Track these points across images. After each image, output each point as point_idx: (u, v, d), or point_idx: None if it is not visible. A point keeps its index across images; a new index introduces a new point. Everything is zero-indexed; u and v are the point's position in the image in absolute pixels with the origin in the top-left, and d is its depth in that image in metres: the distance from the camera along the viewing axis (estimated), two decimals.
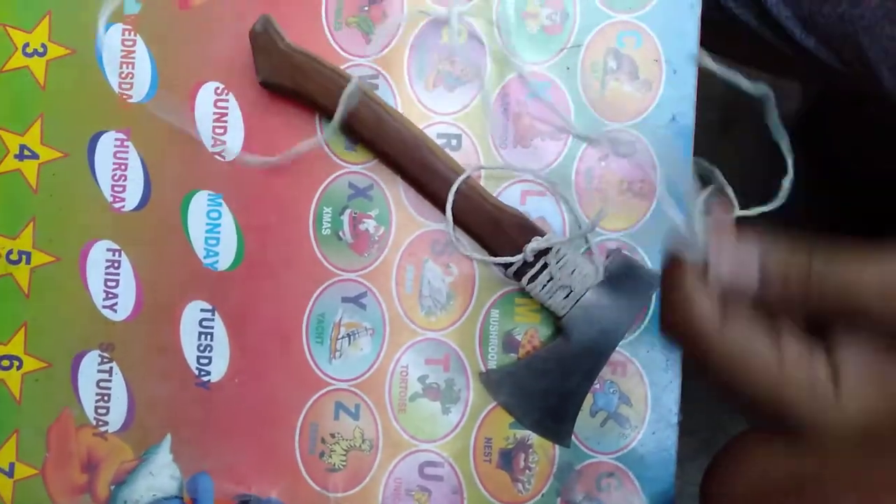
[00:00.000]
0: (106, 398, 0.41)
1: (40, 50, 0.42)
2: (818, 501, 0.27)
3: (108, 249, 0.41)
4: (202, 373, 0.41)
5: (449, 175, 0.39)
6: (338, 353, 0.41)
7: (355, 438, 0.40)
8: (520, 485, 0.40)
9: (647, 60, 0.40)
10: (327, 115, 0.40)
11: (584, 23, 0.41)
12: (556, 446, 0.40)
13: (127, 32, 0.42)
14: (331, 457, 0.40)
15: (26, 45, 0.42)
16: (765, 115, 0.34)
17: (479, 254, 0.40)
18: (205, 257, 0.41)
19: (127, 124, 0.41)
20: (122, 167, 0.41)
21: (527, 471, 0.40)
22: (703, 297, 0.30)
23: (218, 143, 0.41)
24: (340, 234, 0.41)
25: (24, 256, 0.41)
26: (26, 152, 0.42)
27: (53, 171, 0.42)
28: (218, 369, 0.41)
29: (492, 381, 0.40)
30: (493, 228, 0.39)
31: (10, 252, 0.41)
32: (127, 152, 0.41)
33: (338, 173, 0.41)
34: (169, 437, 0.41)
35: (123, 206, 0.41)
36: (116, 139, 0.42)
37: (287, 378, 0.41)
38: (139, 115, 0.41)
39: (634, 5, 0.40)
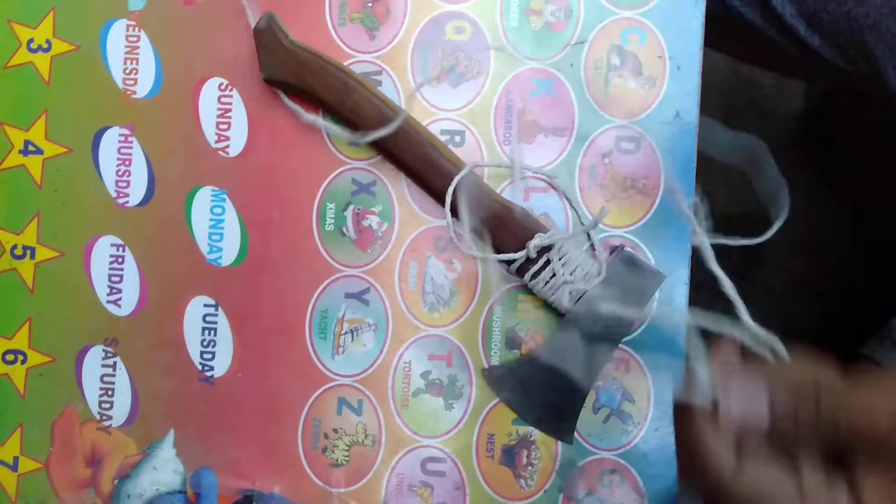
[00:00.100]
0: (110, 393, 0.41)
1: (45, 46, 0.42)
2: None
3: (113, 245, 0.41)
4: (205, 368, 0.41)
5: (452, 171, 0.39)
6: (341, 349, 0.41)
7: (358, 434, 0.41)
8: (522, 481, 0.40)
9: (651, 57, 0.40)
10: (330, 111, 0.40)
11: (588, 19, 0.41)
12: (559, 443, 0.40)
13: (131, 28, 0.42)
14: (333, 452, 0.41)
15: (31, 40, 0.42)
16: (758, 167, 0.34)
17: (482, 250, 0.40)
18: (208, 253, 0.41)
19: (131, 120, 0.42)
20: (126, 163, 0.42)
21: (529, 467, 0.40)
22: (715, 441, 0.30)
23: (221, 138, 0.41)
24: (344, 230, 0.41)
25: (28, 251, 0.42)
26: (31, 147, 0.42)
27: (58, 166, 0.42)
28: (221, 364, 0.41)
29: (494, 378, 0.40)
30: (496, 225, 0.39)
31: (14, 247, 0.42)
32: (131, 148, 0.42)
33: (341, 169, 0.41)
34: (172, 431, 0.41)
35: (127, 202, 0.42)
36: (120, 135, 0.42)
37: (290, 373, 0.41)
38: (143, 110, 0.42)
39: (638, 2, 0.40)
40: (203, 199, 0.41)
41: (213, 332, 0.41)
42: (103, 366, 0.41)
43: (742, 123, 0.99)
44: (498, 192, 0.40)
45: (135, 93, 0.42)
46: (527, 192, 0.41)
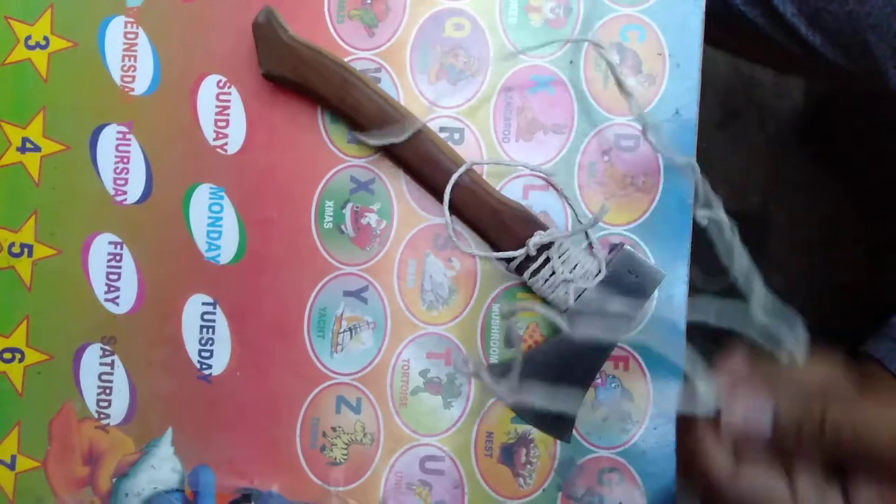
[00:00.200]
0: (108, 391, 0.41)
1: (42, 42, 0.42)
2: None
3: (110, 242, 0.41)
4: (204, 366, 0.41)
5: (451, 169, 0.39)
6: (339, 347, 0.41)
7: (356, 432, 0.40)
8: (521, 479, 0.40)
9: (651, 54, 0.40)
10: (329, 107, 0.40)
11: (588, 17, 0.40)
12: (558, 441, 0.40)
13: (129, 25, 0.42)
14: (332, 450, 0.40)
15: (28, 37, 0.42)
16: (723, 240, 0.34)
17: (481, 248, 0.40)
18: (206, 251, 0.41)
19: (129, 117, 0.41)
20: (124, 160, 0.41)
21: (528, 465, 0.40)
22: (714, 445, 0.30)
23: (220, 136, 0.41)
24: (342, 227, 0.41)
25: (26, 249, 0.41)
26: (28, 145, 0.42)
27: (55, 163, 0.42)
28: (219, 363, 0.41)
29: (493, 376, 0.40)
30: (495, 223, 0.39)
31: (12, 245, 0.41)
32: (129, 145, 0.41)
33: (340, 167, 0.41)
34: (170, 430, 0.41)
35: (125, 200, 0.41)
36: (118, 132, 0.41)
37: (288, 372, 0.41)
38: (141, 107, 0.41)
39: None
40: (201, 197, 0.41)
41: (211, 330, 0.41)
42: (101, 364, 0.41)
43: (742, 122, 0.99)
44: (497, 189, 0.40)
45: (133, 90, 0.42)
46: (526, 189, 0.40)
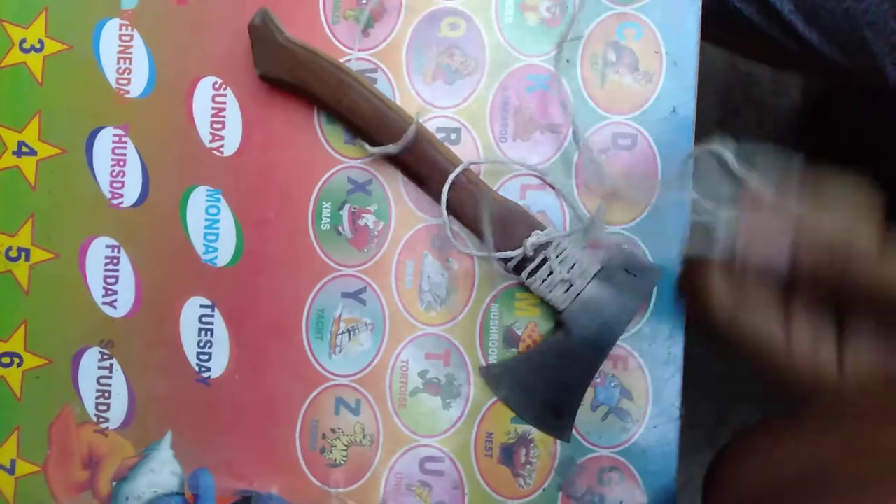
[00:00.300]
0: (106, 395, 0.41)
1: (37, 46, 0.42)
2: (817, 499, 0.28)
3: (108, 246, 0.41)
4: (202, 369, 0.41)
5: (448, 169, 0.39)
6: (338, 349, 0.41)
7: (356, 434, 0.40)
8: (521, 479, 0.40)
9: (648, 52, 0.40)
10: (326, 108, 0.40)
11: (584, 15, 0.40)
12: (558, 441, 0.40)
13: (124, 27, 0.41)
14: (332, 452, 0.40)
15: (23, 40, 0.42)
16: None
17: (479, 248, 0.40)
18: (204, 253, 0.41)
19: (125, 120, 0.41)
20: (121, 163, 0.41)
21: (528, 465, 0.40)
22: (717, 283, 0.30)
23: (216, 138, 0.41)
24: (340, 229, 0.41)
25: (23, 253, 0.41)
26: (24, 149, 0.42)
27: (52, 167, 0.41)
28: (218, 365, 0.41)
29: (492, 376, 0.40)
30: (493, 222, 0.39)
31: (9, 249, 0.41)
32: (125, 148, 0.41)
33: (337, 168, 0.41)
34: (169, 433, 0.41)
35: (122, 203, 0.41)
36: (114, 135, 0.41)
37: (287, 374, 0.41)
38: (137, 110, 0.41)
39: None
40: (198, 199, 0.41)
41: (209, 332, 0.41)
42: (100, 368, 0.41)
43: (740, 119, 0.99)
44: (495, 189, 0.40)
45: (128, 93, 0.41)
46: (523, 189, 0.40)
